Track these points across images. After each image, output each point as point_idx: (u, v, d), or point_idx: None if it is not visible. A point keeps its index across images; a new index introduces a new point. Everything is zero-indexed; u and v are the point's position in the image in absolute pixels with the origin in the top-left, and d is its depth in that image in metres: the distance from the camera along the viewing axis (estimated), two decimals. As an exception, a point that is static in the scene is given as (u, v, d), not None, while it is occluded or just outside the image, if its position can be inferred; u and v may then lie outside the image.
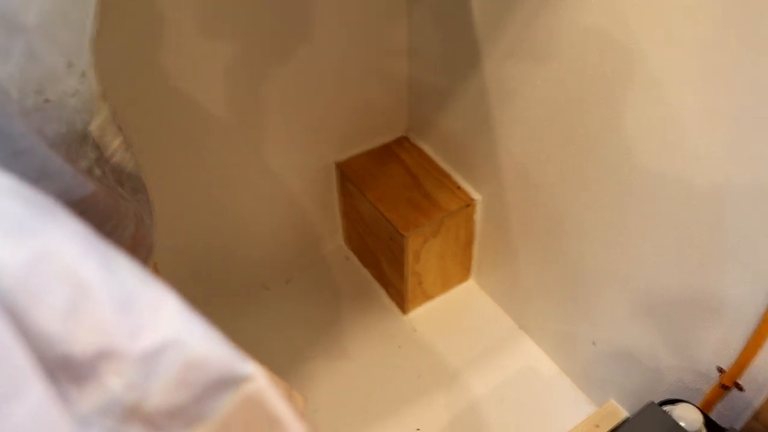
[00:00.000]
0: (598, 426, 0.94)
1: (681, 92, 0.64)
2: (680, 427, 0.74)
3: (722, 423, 0.76)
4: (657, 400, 0.80)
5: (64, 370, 0.21)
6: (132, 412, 0.23)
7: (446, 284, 1.21)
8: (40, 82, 0.33)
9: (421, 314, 1.19)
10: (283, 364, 1.11)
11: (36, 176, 0.33)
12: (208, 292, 1.18)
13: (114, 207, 0.47)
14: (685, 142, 0.66)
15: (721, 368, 0.75)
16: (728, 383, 0.74)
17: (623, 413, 0.96)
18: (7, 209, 0.21)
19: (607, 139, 0.76)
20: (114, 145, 0.49)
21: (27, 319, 0.20)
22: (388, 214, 1.05)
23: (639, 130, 0.71)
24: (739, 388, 0.74)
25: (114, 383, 0.22)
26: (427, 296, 1.19)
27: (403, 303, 1.16)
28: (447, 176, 1.12)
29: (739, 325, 0.71)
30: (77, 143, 0.42)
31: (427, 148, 1.18)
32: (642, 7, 0.64)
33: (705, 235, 0.69)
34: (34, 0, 0.31)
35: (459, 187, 1.10)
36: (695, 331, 0.77)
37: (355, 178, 1.12)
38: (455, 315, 1.19)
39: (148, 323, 0.23)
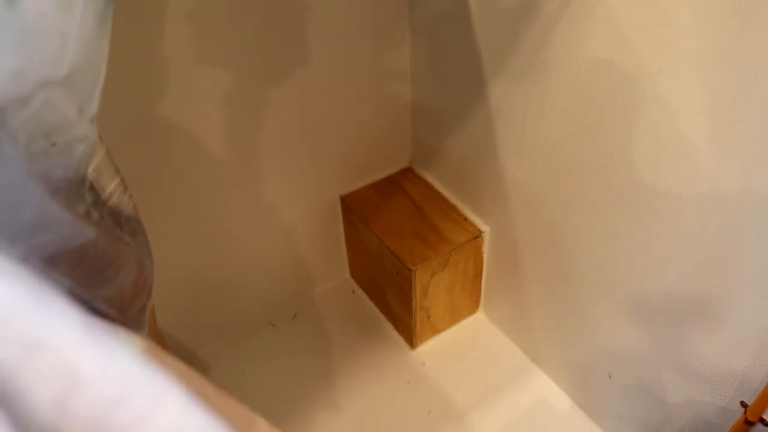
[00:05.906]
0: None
1: (693, 120, 0.63)
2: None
3: (748, 460, 0.74)
4: (679, 437, 0.77)
5: None
6: None
7: (455, 317, 1.18)
8: (51, 127, 0.32)
9: (429, 348, 1.16)
10: (289, 402, 1.08)
11: (32, 227, 0.31)
12: (213, 331, 1.15)
13: (115, 253, 0.45)
14: (700, 169, 0.65)
15: (745, 402, 0.73)
16: (753, 418, 0.71)
17: (642, 449, 0.93)
18: (1, 296, 0.20)
19: (617, 167, 0.75)
20: (111, 187, 0.48)
21: (17, 411, 0.19)
22: (395, 248, 1.03)
23: (650, 158, 0.70)
24: (765, 423, 0.71)
25: None
26: (436, 330, 1.17)
27: (411, 337, 1.14)
28: (453, 208, 1.11)
29: (762, 357, 0.68)
30: (76, 186, 0.40)
31: (432, 179, 1.16)
32: (650, 36, 0.63)
33: (718, 256, 0.67)
34: (68, 52, 0.30)
35: (466, 219, 1.08)
36: (716, 363, 0.74)
37: (360, 211, 1.11)
38: (465, 348, 1.16)
39: (147, 417, 0.21)
